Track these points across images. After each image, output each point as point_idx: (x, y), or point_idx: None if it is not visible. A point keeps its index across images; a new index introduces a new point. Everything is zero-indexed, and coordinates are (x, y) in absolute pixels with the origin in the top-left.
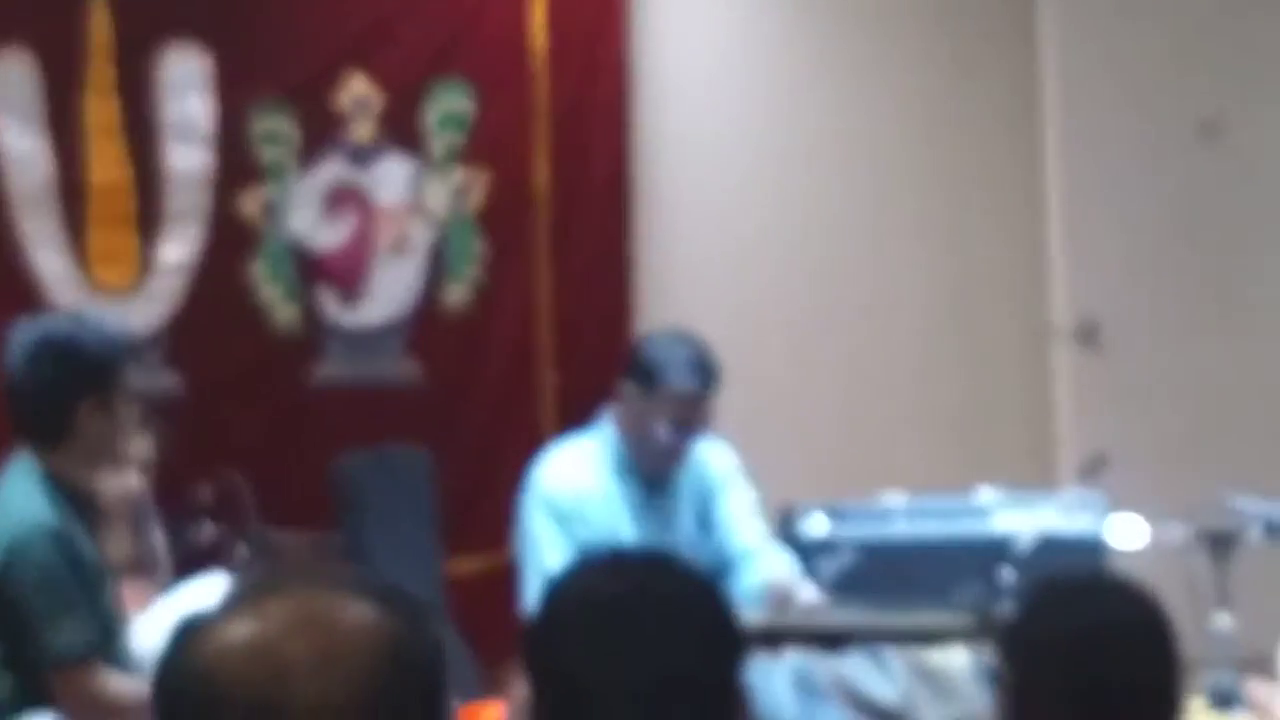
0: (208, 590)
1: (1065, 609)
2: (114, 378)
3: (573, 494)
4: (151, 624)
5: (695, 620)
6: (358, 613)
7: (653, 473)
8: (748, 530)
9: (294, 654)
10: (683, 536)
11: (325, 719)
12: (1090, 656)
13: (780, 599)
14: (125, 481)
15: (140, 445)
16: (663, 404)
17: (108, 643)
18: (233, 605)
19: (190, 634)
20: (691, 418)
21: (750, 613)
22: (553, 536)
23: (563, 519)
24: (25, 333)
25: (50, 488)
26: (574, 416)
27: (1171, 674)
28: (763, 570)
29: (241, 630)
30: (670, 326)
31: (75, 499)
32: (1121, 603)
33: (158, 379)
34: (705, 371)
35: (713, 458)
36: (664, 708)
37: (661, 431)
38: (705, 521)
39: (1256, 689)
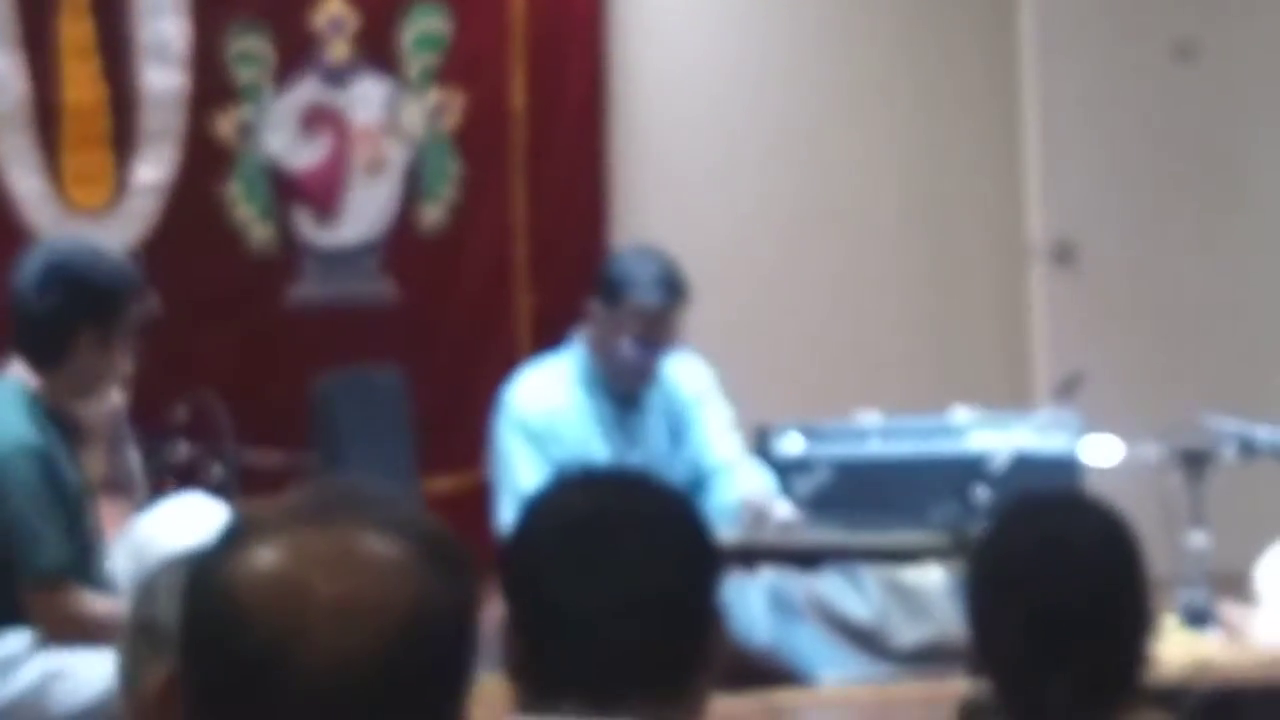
0: (183, 510)
1: (1026, 527)
2: (118, 311)
3: (545, 413)
4: (127, 544)
5: (671, 538)
6: (393, 561)
7: (623, 390)
8: (723, 445)
9: (320, 595)
10: (655, 453)
11: (337, 673)
12: (1051, 573)
13: (755, 516)
14: (107, 400)
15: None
16: (627, 319)
17: (86, 563)
18: (280, 523)
19: (232, 542)
20: (656, 333)
21: (726, 531)
22: (526, 456)
23: (536, 438)
24: (41, 254)
25: (36, 409)
26: (549, 337)
27: (1135, 590)
28: (739, 485)
29: (274, 556)
30: (640, 243)
31: (60, 421)
32: (1084, 519)
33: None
34: (670, 286)
35: (686, 374)
36: (640, 626)
37: (627, 346)
38: (678, 437)
39: (1230, 609)
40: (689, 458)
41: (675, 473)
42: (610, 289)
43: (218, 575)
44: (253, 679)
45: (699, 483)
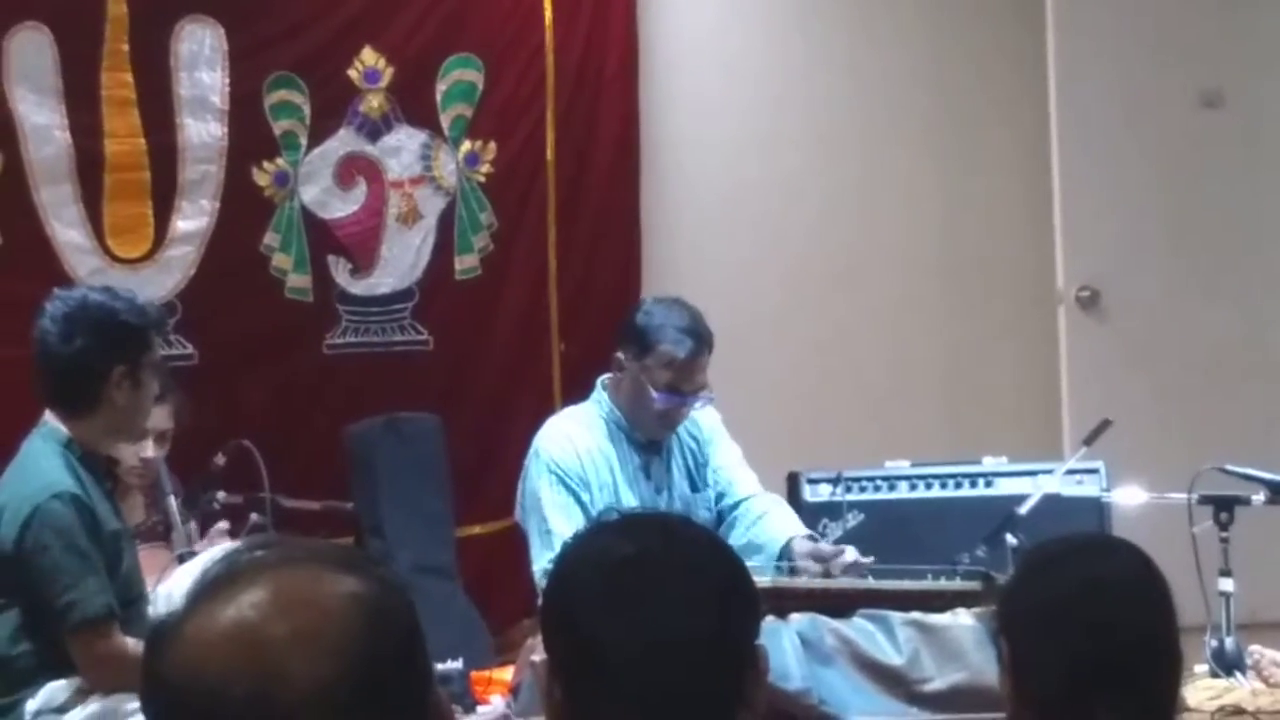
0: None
1: (1061, 570)
2: (143, 349)
3: (575, 459)
4: (169, 591)
5: (711, 580)
6: (333, 584)
7: (650, 438)
8: (744, 481)
9: (278, 636)
10: (678, 498)
11: (321, 699)
12: (1093, 615)
13: (820, 562)
14: (141, 451)
15: (159, 415)
16: (657, 369)
17: (127, 606)
18: (203, 598)
19: (167, 637)
20: (687, 381)
21: (757, 576)
22: (559, 501)
23: (568, 484)
24: (60, 302)
25: (72, 455)
26: (582, 385)
27: (1170, 626)
28: (775, 526)
29: (220, 622)
30: (667, 294)
31: (96, 466)
32: (1116, 560)
33: (172, 348)
34: (698, 335)
35: (700, 417)
36: (681, 667)
37: (658, 396)
38: (698, 480)
39: (1261, 653)
40: (710, 494)
41: (699, 515)
42: (639, 340)
43: (172, 663)
44: None
45: (720, 517)
